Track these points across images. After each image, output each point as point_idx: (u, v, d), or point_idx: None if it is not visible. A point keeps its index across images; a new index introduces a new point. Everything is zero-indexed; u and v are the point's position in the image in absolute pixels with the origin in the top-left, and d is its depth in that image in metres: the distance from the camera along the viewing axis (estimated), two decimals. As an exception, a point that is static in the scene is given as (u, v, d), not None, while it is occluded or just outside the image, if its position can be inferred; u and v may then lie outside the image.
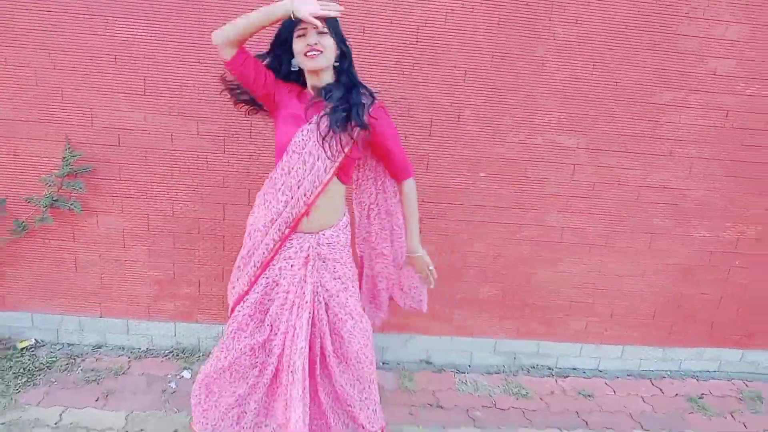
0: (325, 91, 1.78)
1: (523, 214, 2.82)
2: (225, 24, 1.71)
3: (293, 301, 1.86)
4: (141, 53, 2.49)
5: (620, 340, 3.06)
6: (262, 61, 1.84)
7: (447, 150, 2.68)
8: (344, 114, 1.71)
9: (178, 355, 2.86)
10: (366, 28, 2.45)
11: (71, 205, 2.60)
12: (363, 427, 2.06)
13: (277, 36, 1.81)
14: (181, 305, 2.87)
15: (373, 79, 2.43)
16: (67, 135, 2.56)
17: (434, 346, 3.00)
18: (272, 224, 1.82)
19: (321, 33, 1.69)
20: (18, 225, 2.61)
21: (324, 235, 1.88)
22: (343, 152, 1.76)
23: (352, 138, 1.76)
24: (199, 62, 2.50)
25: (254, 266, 1.87)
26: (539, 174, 2.76)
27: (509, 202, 2.79)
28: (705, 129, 2.74)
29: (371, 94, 1.84)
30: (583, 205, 2.82)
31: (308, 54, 1.70)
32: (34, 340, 2.84)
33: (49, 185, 2.58)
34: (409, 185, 1.99)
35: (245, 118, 2.52)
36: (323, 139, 1.71)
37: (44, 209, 2.58)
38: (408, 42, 2.52)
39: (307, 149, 1.75)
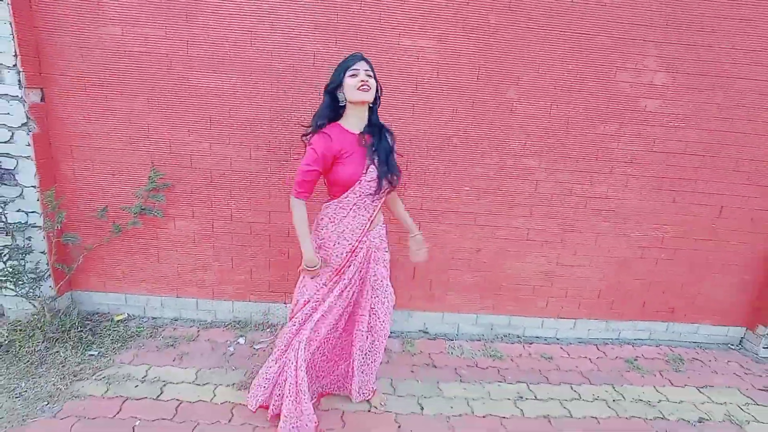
0: (373, 137, 1.86)
1: (498, 218, 2.84)
2: (296, 214, 1.86)
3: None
4: (208, 97, 2.55)
5: (573, 315, 3.07)
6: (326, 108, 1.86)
7: (440, 170, 2.72)
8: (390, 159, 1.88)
9: (235, 326, 2.88)
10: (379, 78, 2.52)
11: (155, 212, 2.66)
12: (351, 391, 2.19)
13: (335, 77, 1.80)
14: (238, 288, 2.89)
15: (391, 117, 2.53)
16: (153, 160, 2.62)
17: (430, 319, 3.01)
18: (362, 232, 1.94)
19: (368, 75, 1.76)
20: (115, 227, 2.67)
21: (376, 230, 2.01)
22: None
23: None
24: (250, 104, 2.56)
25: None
26: (510, 188, 2.79)
27: (487, 209, 2.82)
28: (637, 153, 2.76)
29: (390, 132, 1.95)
30: (544, 211, 2.84)
31: (361, 88, 1.74)
32: (126, 315, 2.88)
33: (139, 197, 2.63)
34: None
35: (284, 148, 2.61)
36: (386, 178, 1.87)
37: (135, 215, 2.64)
38: (410, 89, 2.58)
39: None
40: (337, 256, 1.93)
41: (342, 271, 1.95)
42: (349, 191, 1.85)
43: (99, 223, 2.69)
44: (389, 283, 2.10)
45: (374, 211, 1.93)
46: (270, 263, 2.84)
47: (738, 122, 2.73)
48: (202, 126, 2.59)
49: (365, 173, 1.82)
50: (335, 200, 1.90)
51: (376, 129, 1.87)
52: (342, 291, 1.97)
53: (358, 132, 1.85)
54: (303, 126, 2.00)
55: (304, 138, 1.93)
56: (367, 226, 1.93)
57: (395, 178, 1.90)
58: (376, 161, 1.83)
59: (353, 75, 1.75)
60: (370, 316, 2.08)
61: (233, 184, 2.69)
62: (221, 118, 2.58)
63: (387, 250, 2.08)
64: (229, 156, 2.64)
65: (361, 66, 1.76)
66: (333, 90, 1.81)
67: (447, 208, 2.80)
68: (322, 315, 1.95)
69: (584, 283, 3.01)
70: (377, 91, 1.83)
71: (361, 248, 1.95)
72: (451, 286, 2.96)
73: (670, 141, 2.75)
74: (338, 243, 1.92)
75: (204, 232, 2.78)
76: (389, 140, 1.92)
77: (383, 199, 1.95)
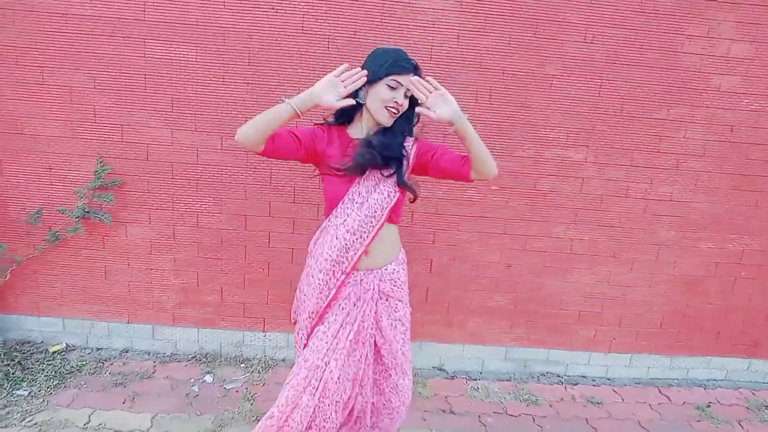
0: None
1: (533, 225, 2.82)
2: (243, 125, 1.56)
3: None
4: (170, 73, 2.54)
5: (628, 348, 3.04)
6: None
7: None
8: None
9: (201, 360, 2.87)
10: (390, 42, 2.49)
11: (102, 216, 2.64)
12: None
13: (374, 69, 1.63)
14: (205, 312, 2.88)
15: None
16: (99, 150, 2.61)
17: (447, 353, 3.00)
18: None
19: (406, 96, 1.66)
20: (52, 235, 2.65)
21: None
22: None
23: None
24: (223, 81, 2.55)
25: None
26: (548, 187, 2.77)
27: (520, 214, 2.80)
28: (710, 144, 2.73)
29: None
30: (591, 217, 2.82)
31: (390, 110, 1.65)
32: (65, 345, 2.87)
33: (82, 197, 2.62)
34: None
35: (267, 134, 2.57)
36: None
37: (77, 220, 2.62)
38: (422, 62, 2.54)
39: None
40: (311, 294, 1.80)
41: (322, 314, 1.81)
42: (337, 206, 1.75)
43: (31, 230, 2.69)
44: (407, 356, 1.94)
45: (369, 233, 1.74)
46: (245, 280, 2.83)
47: (838, 105, 2.70)
48: (162, 108, 2.58)
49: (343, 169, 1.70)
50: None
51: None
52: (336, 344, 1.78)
53: (360, 137, 1.74)
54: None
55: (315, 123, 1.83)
56: (358, 252, 1.75)
57: (387, 161, 1.69)
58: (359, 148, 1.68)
59: (393, 87, 1.62)
60: (378, 396, 1.99)
61: (200, 181, 2.68)
62: (186, 98, 2.57)
63: (404, 300, 1.91)
64: (195, 146, 2.63)
65: (406, 82, 1.62)
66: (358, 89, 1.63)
67: (468, 213, 2.79)
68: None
69: (643, 308, 2.98)
70: (412, 117, 1.74)
71: (354, 288, 1.80)
72: (474, 310, 2.94)
73: (751, 129, 2.72)
74: (313, 275, 1.79)
75: (163, 241, 2.77)
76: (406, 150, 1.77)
77: (381, 220, 1.75)
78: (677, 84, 2.64)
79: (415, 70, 1.66)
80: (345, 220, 1.73)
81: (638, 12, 2.54)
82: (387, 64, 1.62)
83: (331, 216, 1.77)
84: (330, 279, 1.77)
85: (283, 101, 1.56)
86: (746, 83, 2.66)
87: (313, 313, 1.81)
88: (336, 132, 1.76)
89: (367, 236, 1.74)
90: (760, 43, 2.60)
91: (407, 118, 1.74)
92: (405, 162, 1.72)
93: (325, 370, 1.75)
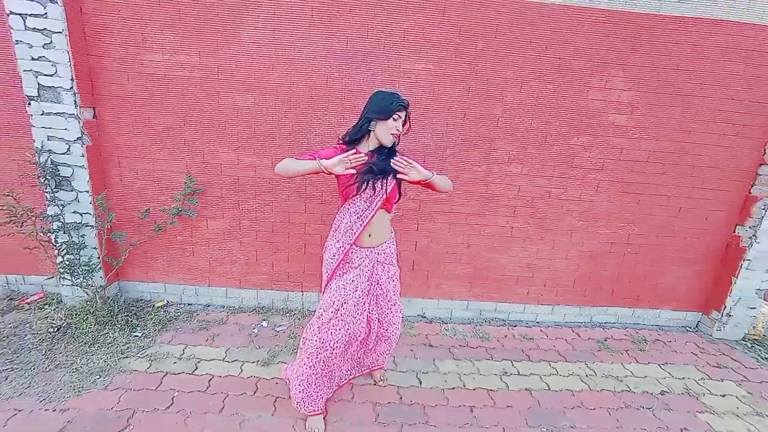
0: (379, 156, 1.74)
1: (485, 218, 2.84)
2: (282, 163, 1.63)
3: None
4: (236, 115, 2.56)
5: (551, 301, 3.06)
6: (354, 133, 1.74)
7: (435, 176, 2.73)
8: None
9: (259, 311, 2.89)
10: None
11: (190, 213, 2.68)
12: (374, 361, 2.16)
13: (386, 108, 1.66)
14: (261, 278, 2.90)
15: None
16: (188, 168, 2.65)
17: (427, 306, 3.01)
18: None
19: (404, 122, 1.71)
20: (156, 226, 2.69)
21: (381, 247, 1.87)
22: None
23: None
24: (273, 120, 2.58)
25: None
26: (496, 191, 2.79)
27: (476, 209, 2.82)
28: (606, 161, 2.76)
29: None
30: (525, 212, 2.84)
31: (394, 135, 1.69)
32: (166, 301, 2.90)
33: (176, 201, 2.66)
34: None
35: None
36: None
37: (173, 216, 2.66)
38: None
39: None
40: (332, 255, 1.82)
41: (339, 267, 1.83)
42: (348, 200, 1.79)
43: (142, 223, 2.72)
44: (397, 300, 1.96)
45: (367, 217, 1.77)
46: (289, 257, 2.85)
47: (694, 134, 2.73)
48: (230, 139, 2.61)
49: (355, 184, 1.73)
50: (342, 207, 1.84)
51: (384, 149, 1.75)
52: (354, 288, 1.81)
53: (368, 151, 1.77)
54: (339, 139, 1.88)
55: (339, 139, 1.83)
56: (359, 229, 1.78)
57: (387, 186, 1.75)
58: (364, 171, 1.71)
59: (396, 119, 1.68)
60: (378, 325, 1.99)
61: (257, 188, 2.71)
62: (247, 132, 2.60)
63: (394, 264, 1.93)
64: (254, 165, 2.66)
65: (402, 114, 1.69)
66: (372, 119, 1.69)
67: (441, 210, 2.81)
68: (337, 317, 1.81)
69: (560, 274, 3.00)
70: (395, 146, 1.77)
71: (357, 255, 1.82)
72: (446, 276, 2.95)
73: (635, 150, 2.75)
74: (334, 241, 1.82)
75: (232, 230, 2.79)
76: (389, 159, 1.76)
77: (375, 209, 1.77)
78: (584, 120, 2.67)
79: (406, 106, 1.70)
80: (351, 208, 1.79)
81: (556, 69, 2.57)
82: (393, 105, 1.65)
83: (345, 205, 1.80)
84: (342, 246, 1.81)
85: (317, 161, 1.63)
86: (631, 120, 2.68)
87: (330, 262, 1.82)
88: (348, 150, 1.75)
89: (366, 218, 1.78)
90: (641, 92, 2.63)
91: (391, 150, 1.76)
92: (392, 174, 1.74)
93: (343, 303, 1.80)
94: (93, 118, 2.51)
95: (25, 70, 2.29)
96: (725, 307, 2.98)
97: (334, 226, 1.87)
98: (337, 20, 2.43)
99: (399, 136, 1.75)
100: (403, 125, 1.73)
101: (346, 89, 2.53)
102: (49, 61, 2.29)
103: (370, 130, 1.72)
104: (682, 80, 2.62)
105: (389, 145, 1.72)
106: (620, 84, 2.61)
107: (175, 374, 2.20)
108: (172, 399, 2.02)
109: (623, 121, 2.68)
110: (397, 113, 1.67)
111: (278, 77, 2.51)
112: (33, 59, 2.27)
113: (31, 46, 2.26)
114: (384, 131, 1.69)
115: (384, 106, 1.66)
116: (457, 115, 2.62)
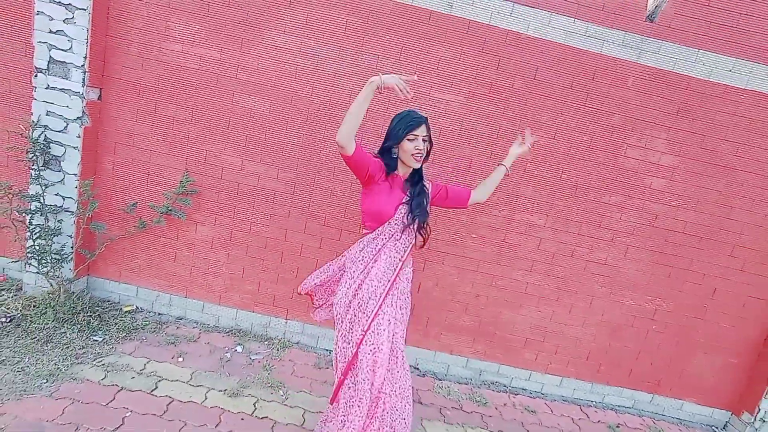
0: (413, 185, 1.82)
1: (499, 268, 2.83)
2: (341, 125, 1.61)
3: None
4: (248, 118, 2.64)
5: (560, 372, 3.00)
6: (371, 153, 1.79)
7: (449, 213, 2.74)
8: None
9: (235, 334, 2.85)
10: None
11: (180, 214, 2.70)
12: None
13: (395, 134, 1.74)
14: (244, 297, 2.88)
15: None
16: (187, 166, 2.69)
17: (422, 356, 2.96)
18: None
19: (425, 140, 1.74)
20: (140, 223, 2.71)
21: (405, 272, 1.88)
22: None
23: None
24: (286, 129, 2.65)
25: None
26: (514, 241, 2.80)
27: (491, 257, 2.82)
28: (638, 226, 2.78)
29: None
30: (544, 268, 2.84)
31: (414, 156, 1.72)
32: (135, 307, 2.87)
33: (167, 198, 2.68)
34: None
35: (311, 172, 2.66)
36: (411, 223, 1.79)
37: (160, 215, 2.68)
38: (436, 136, 2.64)
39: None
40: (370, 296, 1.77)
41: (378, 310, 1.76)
42: (379, 227, 1.78)
43: (126, 217, 2.74)
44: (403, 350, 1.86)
45: (404, 252, 1.81)
46: (278, 278, 2.84)
47: (737, 211, 2.75)
48: (238, 143, 2.67)
49: (396, 212, 1.77)
50: (368, 235, 1.81)
51: (417, 176, 1.83)
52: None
53: (401, 174, 1.84)
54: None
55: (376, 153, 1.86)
56: (398, 266, 1.80)
57: (424, 224, 1.84)
58: (411, 202, 1.77)
59: (412, 140, 1.71)
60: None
61: (257, 199, 2.74)
62: (256, 138, 2.66)
63: (408, 297, 1.92)
64: (258, 173, 2.71)
65: (421, 132, 1.71)
66: (389, 147, 1.75)
67: (452, 252, 2.81)
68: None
69: (575, 343, 2.96)
70: (428, 152, 1.81)
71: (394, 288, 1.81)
72: (447, 326, 2.92)
73: (671, 219, 2.77)
74: (367, 282, 1.77)
75: (222, 239, 2.80)
76: (427, 190, 1.87)
77: (411, 244, 1.83)
78: (619, 179, 2.71)
79: (425, 121, 1.74)
80: (390, 244, 1.79)
81: (594, 122, 2.64)
82: (403, 126, 1.72)
83: (377, 233, 1.78)
84: (385, 284, 1.76)
85: (378, 76, 1.61)
86: (670, 185, 2.72)
87: (369, 309, 1.74)
88: (388, 177, 1.81)
89: (404, 252, 1.82)
90: (683, 157, 2.69)
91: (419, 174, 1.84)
92: (425, 197, 1.81)
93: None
94: (98, 99, 2.59)
95: (39, 42, 2.40)
96: (759, 410, 2.89)
97: (358, 256, 1.81)
98: (370, 38, 2.55)
99: (426, 155, 1.79)
100: (425, 141, 1.75)
101: (369, 109, 2.57)
102: (66, 35, 2.40)
103: (395, 157, 1.78)
104: (729, 152, 2.68)
105: (416, 166, 1.77)
106: (661, 146, 2.67)
107: (131, 391, 2.15)
108: (123, 420, 1.97)
109: (661, 185, 2.72)
110: (411, 133, 1.71)
111: (298, 86, 2.60)
112: (50, 32, 2.40)
113: (51, 19, 2.38)
114: (405, 155, 1.75)
115: (394, 131, 1.74)
116: (484, 153, 2.68)
